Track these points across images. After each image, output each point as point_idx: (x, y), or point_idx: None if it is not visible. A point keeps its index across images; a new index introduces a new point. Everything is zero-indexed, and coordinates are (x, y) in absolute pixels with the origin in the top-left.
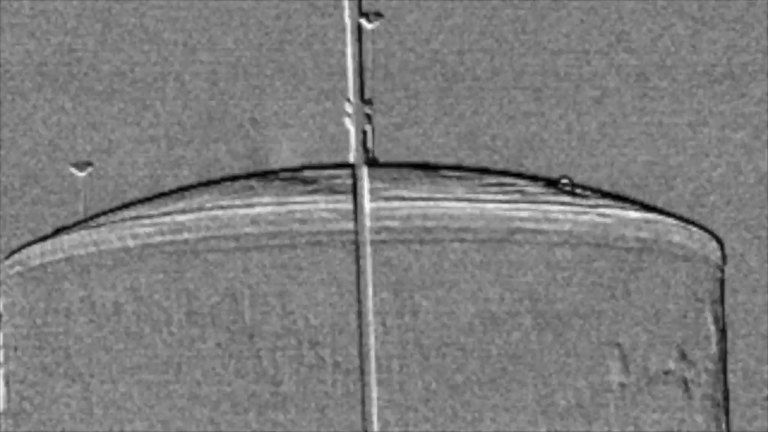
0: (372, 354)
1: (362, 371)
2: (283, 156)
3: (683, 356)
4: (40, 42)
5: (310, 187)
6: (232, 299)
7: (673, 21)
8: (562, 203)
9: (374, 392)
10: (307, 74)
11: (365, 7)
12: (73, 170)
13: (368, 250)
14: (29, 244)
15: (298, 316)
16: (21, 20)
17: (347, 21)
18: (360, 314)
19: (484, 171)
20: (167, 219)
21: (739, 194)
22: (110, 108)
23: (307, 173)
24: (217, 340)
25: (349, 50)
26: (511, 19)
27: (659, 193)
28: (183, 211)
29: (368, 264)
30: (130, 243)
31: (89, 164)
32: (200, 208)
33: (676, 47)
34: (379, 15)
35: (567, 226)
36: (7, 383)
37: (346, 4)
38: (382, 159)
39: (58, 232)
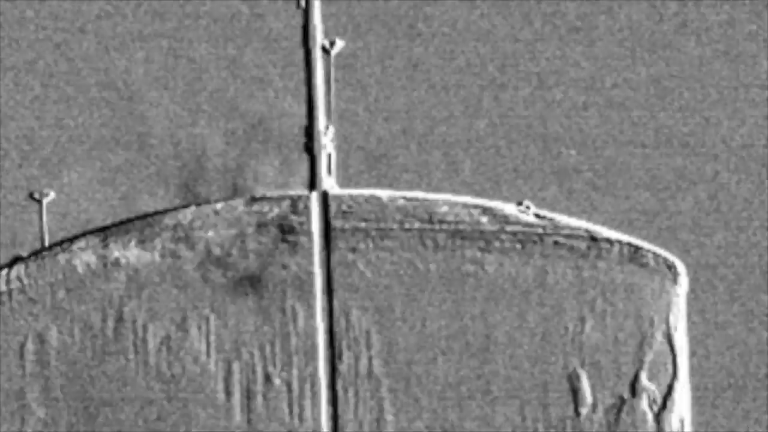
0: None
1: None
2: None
3: (641, 382)
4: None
5: (268, 209)
6: (183, 328)
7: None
8: (523, 225)
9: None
10: (266, 101)
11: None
12: (31, 199)
13: (318, 281)
14: None
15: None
16: None
17: (313, 48)
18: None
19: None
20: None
21: (698, 219)
22: (70, 137)
23: (265, 199)
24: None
25: (318, 76)
26: (473, 42)
27: (618, 218)
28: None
29: (318, 295)
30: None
31: (47, 194)
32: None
33: (642, 75)
34: (332, 44)
35: (521, 254)
36: None
37: (316, 30)
38: (342, 185)
39: (15, 261)
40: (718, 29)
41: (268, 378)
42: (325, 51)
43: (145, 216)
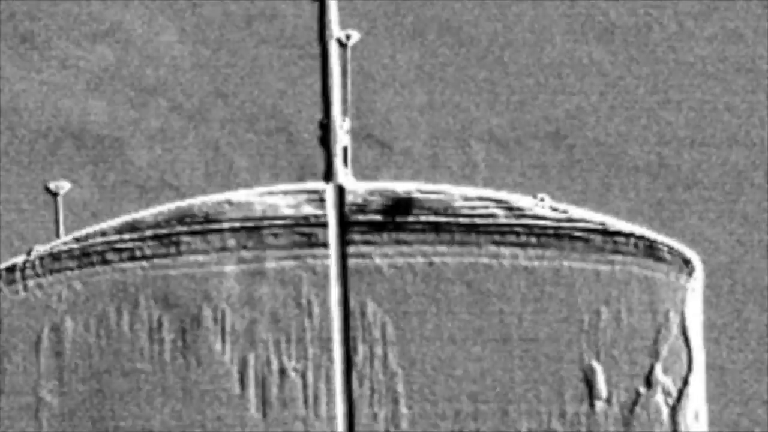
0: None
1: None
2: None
3: (657, 375)
4: (20, 60)
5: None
6: (197, 323)
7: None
8: (538, 218)
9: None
10: (280, 94)
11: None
12: (50, 189)
13: (334, 273)
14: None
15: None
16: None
17: (329, 41)
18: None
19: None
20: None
21: (713, 213)
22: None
23: (282, 190)
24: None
25: (333, 69)
26: (487, 36)
27: (633, 212)
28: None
29: (333, 287)
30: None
31: (64, 185)
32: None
33: (657, 70)
34: (348, 37)
35: (538, 246)
36: None
37: (332, 22)
38: (358, 178)
39: (29, 254)
40: (729, 23)
41: (283, 371)
42: (341, 44)
43: (159, 208)
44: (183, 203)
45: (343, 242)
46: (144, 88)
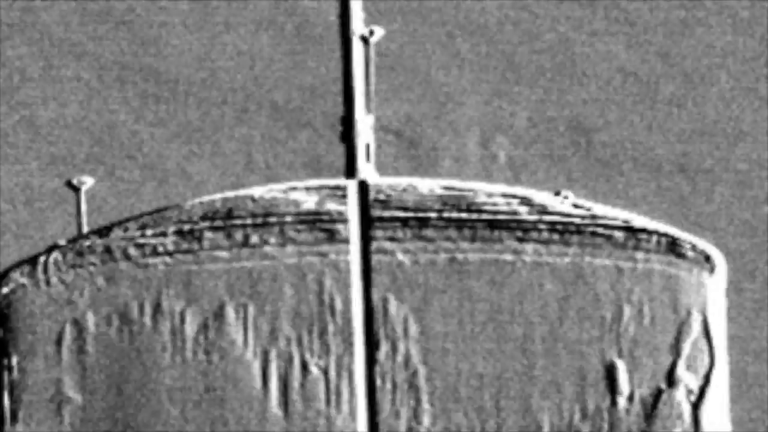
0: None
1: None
2: None
3: (679, 373)
4: (40, 55)
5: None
6: (219, 317)
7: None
8: (561, 215)
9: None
10: (303, 89)
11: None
12: (69, 187)
13: (355, 264)
14: (20, 263)
15: (288, 335)
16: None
17: (353, 35)
18: (347, 331)
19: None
20: (156, 240)
21: (736, 209)
22: (110, 122)
23: (305, 185)
24: (202, 362)
25: (356, 65)
26: (509, 32)
27: (656, 208)
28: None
29: (356, 283)
30: (121, 265)
31: (84, 181)
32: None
33: (678, 62)
34: (371, 33)
35: (561, 243)
36: None
37: (354, 17)
38: (381, 174)
39: (51, 249)
40: (753, 18)
41: (305, 366)
42: (364, 40)
43: (182, 204)
44: (205, 199)
45: (366, 238)
46: (164, 82)
